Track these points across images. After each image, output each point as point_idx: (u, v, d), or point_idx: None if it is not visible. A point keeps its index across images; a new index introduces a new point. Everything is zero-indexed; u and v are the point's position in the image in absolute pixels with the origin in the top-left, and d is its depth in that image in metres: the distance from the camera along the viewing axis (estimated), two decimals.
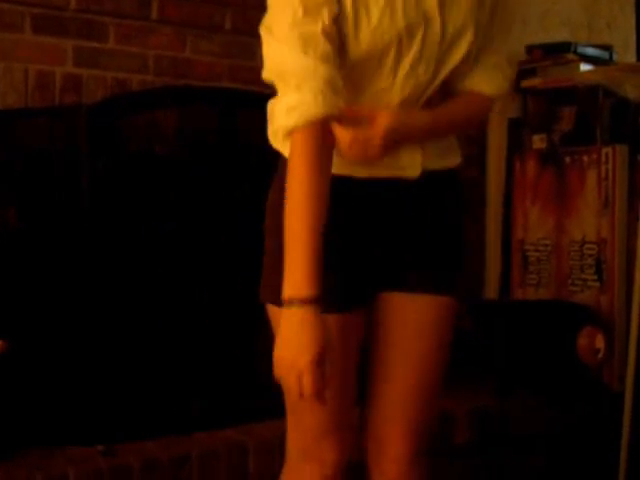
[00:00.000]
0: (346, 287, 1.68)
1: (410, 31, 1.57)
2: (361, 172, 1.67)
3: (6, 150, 2.59)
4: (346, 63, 1.58)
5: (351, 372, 1.76)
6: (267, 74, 1.59)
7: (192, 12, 3.03)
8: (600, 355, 3.25)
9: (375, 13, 1.54)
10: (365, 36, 1.56)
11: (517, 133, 3.76)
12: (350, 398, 1.78)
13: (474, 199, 3.71)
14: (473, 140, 3.67)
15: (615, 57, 3.83)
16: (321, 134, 1.54)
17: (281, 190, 1.60)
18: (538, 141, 3.68)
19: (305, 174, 1.53)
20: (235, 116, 2.78)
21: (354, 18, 1.54)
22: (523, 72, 3.75)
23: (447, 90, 1.71)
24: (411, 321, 1.73)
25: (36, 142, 2.61)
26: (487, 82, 1.72)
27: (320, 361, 1.50)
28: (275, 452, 2.60)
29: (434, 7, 1.58)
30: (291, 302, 1.51)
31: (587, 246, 3.46)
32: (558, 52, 3.71)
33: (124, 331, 2.58)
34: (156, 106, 2.78)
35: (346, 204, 1.65)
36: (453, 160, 1.78)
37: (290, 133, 1.54)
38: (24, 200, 2.59)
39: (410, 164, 1.69)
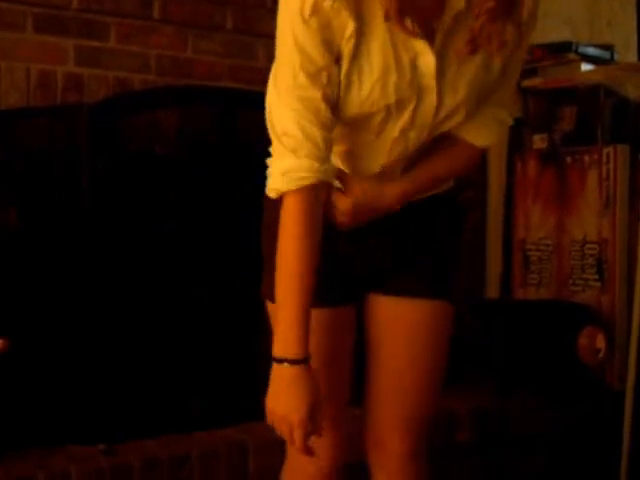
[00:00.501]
0: (332, 284, 1.70)
1: (400, 104, 1.55)
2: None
3: (7, 149, 2.59)
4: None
5: (343, 367, 1.77)
6: (269, 127, 1.59)
7: (193, 12, 3.03)
8: (601, 355, 3.25)
9: (367, 84, 1.52)
10: (353, 103, 1.54)
11: (518, 133, 3.75)
12: (344, 394, 1.80)
13: (475, 199, 3.71)
14: None
15: (616, 57, 3.82)
16: (314, 196, 1.55)
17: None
18: (539, 141, 3.68)
19: (297, 233, 1.54)
20: (235, 116, 2.78)
21: (346, 85, 1.52)
22: (524, 72, 3.74)
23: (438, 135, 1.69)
24: (399, 323, 1.75)
25: (37, 141, 2.61)
26: (482, 135, 1.70)
27: (311, 417, 1.55)
28: (275, 451, 2.59)
29: (431, 82, 1.54)
30: (281, 361, 1.55)
31: (588, 246, 3.46)
32: (559, 52, 3.70)
33: (125, 331, 2.59)
34: (157, 106, 2.78)
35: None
36: (440, 187, 1.78)
37: (284, 195, 1.56)
38: (25, 200, 2.59)
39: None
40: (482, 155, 1.76)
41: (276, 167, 1.56)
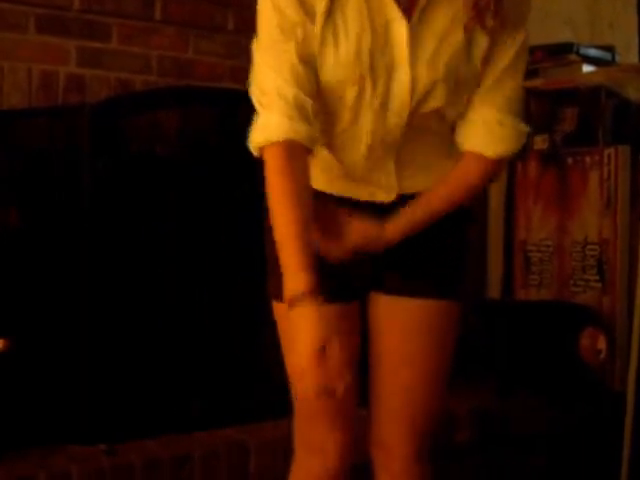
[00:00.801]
0: (336, 282, 1.69)
1: (374, 74, 1.55)
2: (339, 192, 1.71)
3: (9, 150, 2.59)
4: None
5: (349, 364, 1.76)
6: (251, 88, 1.62)
7: (194, 13, 3.03)
8: (602, 356, 3.25)
9: (342, 45, 1.53)
10: (328, 65, 1.55)
11: None
12: (351, 394, 1.79)
13: (476, 200, 3.71)
14: None
15: (617, 58, 3.83)
16: (290, 151, 1.55)
17: None
18: (540, 142, 3.68)
19: (280, 184, 1.55)
20: (236, 117, 2.78)
21: (321, 43, 1.54)
22: (525, 73, 3.75)
23: (447, 121, 1.68)
24: (399, 323, 1.74)
25: (39, 142, 2.62)
26: (488, 144, 1.66)
27: (321, 358, 1.49)
28: (276, 452, 2.60)
29: (403, 52, 1.55)
30: (292, 303, 1.52)
31: (589, 247, 3.46)
32: (560, 53, 3.71)
33: (126, 331, 2.59)
34: (158, 106, 2.78)
35: (316, 203, 1.67)
36: (436, 179, 1.74)
37: (260, 149, 1.58)
38: (26, 200, 2.59)
39: (385, 189, 1.70)
40: (486, 182, 1.72)
41: (255, 124, 1.59)
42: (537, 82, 3.69)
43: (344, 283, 1.72)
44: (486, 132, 1.65)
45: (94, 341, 2.54)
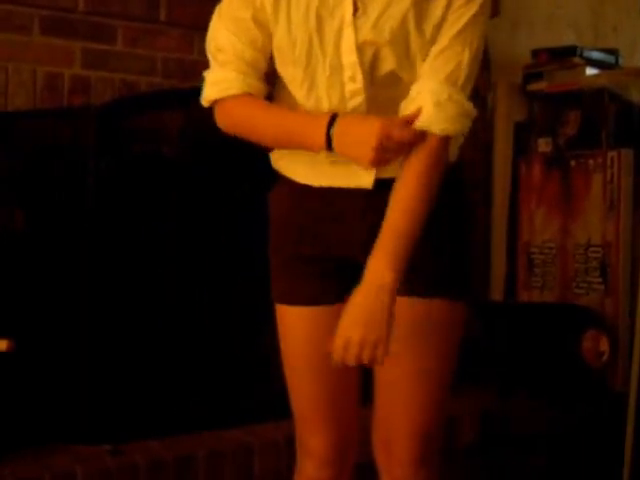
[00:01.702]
0: (337, 283, 1.70)
1: (322, 35, 1.60)
2: (321, 181, 1.71)
3: (14, 151, 2.60)
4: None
5: (351, 368, 1.75)
6: (207, 46, 1.71)
7: (199, 14, 3.02)
8: (604, 358, 3.26)
9: (294, 8, 1.60)
10: (282, 30, 1.62)
11: (523, 137, 3.77)
12: (352, 394, 1.79)
13: (480, 202, 3.72)
14: (479, 144, 3.68)
15: (621, 61, 3.83)
16: (249, 98, 1.67)
17: (275, 202, 1.77)
18: (544, 144, 3.69)
19: (250, 107, 1.67)
20: None
21: (275, 11, 1.62)
22: (529, 76, 3.76)
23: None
24: (402, 323, 1.67)
25: (44, 143, 2.62)
26: (439, 118, 1.60)
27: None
28: (280, 453, 2.61)
29: (349, 19, 1.59)
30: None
31: (592, 249, 3.47)
32: (564, 56, 3.72)
33: (131, 331, 2.59)
34: (163, 108, 2.79)
35: (307, 207, 1.73)
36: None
37: (212, 104, 1.69)
38: (30, 200, 2.60)
39: (363, 174, 1.67)
40: (435, 167, 1.61)
41: (208, 79, 1.69)
42: (541, 85, 3.70)
43: (348, 284, 1.71)
44: (433, 105, 1.59)
45: (99, 341, 2.54)
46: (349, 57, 1.61)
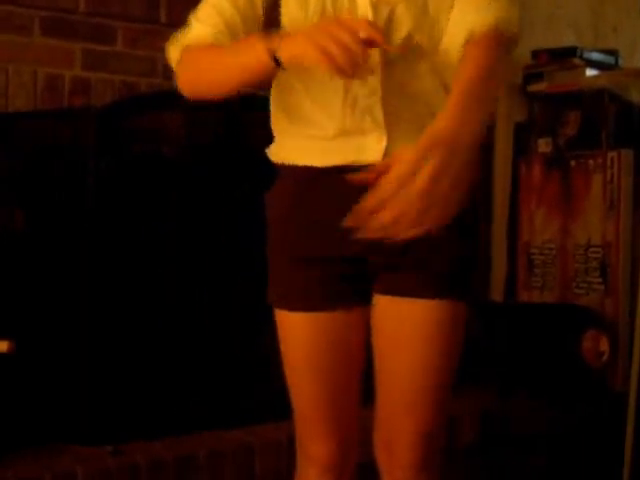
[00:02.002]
0: (337, 284, 1.67)
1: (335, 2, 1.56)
2: (323, 161, 1.63)
3: (14, 151, 2.60)
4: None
5: (352, 369, 1.75)
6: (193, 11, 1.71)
7: None
8: (604, 358, 3.26)
9: None
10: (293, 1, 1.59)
11: (523, 137, 3.77)
12: (353, 395, 1.79)
13: (480, 202, 3.72)
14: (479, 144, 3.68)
15: (621, 62, 3.84)
16: (193, 51, 1.66)
17: (274, 201, 1.71)
18: (544, 145, 3.69)
19: (202, 51, 1.65)
20: (240, 119, 2.78)
21: None
22: (529, 76, 3.76)
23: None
24: (392, 324, 1.69)
25: (44, 144, 2.63)
26: (476, 19, 1.52)
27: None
28: (281, 453, 2.61)
29: None
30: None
31: (592, 249, 3.47)
32: (564, 57, 3.72)
33: (131, 331, 2.60)
34: (163, 109, 2.79)
35: (311, 202, 1.66)
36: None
37: (180, 51, 1.69)
38: (31, 201, 2.60)
39: (374, 135, 1.60)
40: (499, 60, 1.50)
41: (183, 33, 1.69)
42: (541, 86, 3.70)
43: (348, 286, 1.70)
44: (474, 9, 1.53)
45: (100, 342, 2.55)
46: (364, 16, 1.55)
